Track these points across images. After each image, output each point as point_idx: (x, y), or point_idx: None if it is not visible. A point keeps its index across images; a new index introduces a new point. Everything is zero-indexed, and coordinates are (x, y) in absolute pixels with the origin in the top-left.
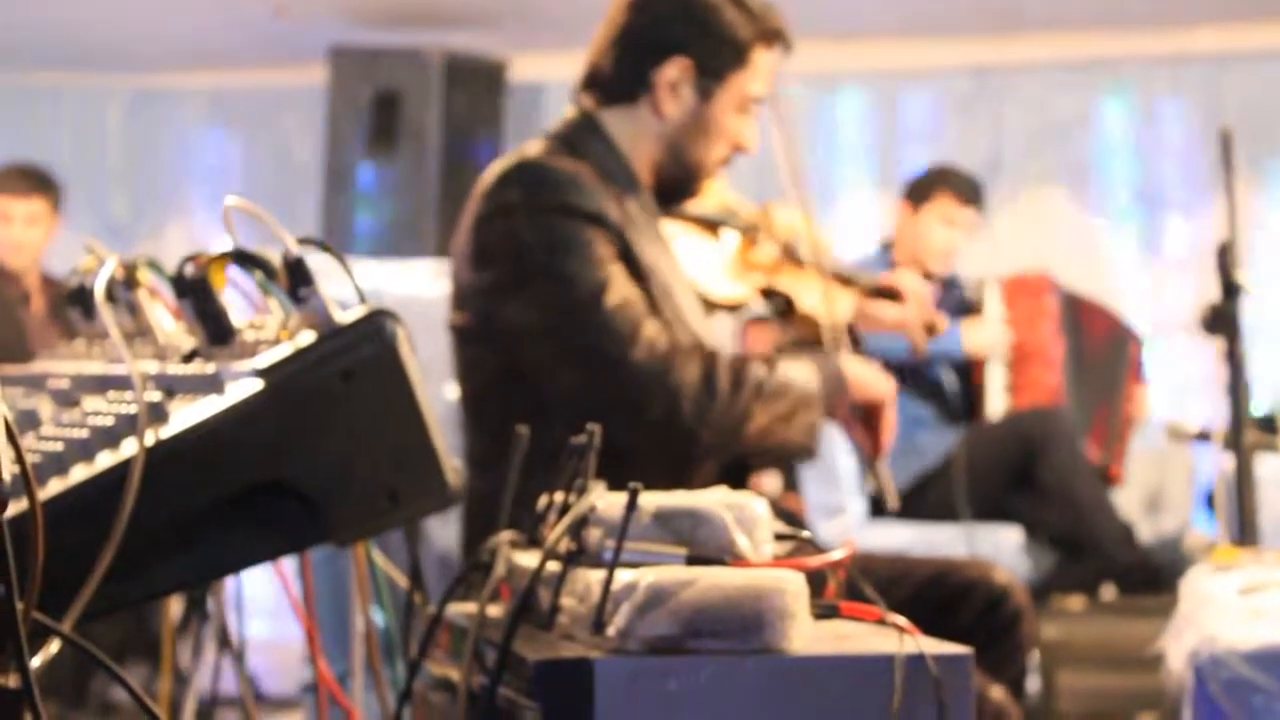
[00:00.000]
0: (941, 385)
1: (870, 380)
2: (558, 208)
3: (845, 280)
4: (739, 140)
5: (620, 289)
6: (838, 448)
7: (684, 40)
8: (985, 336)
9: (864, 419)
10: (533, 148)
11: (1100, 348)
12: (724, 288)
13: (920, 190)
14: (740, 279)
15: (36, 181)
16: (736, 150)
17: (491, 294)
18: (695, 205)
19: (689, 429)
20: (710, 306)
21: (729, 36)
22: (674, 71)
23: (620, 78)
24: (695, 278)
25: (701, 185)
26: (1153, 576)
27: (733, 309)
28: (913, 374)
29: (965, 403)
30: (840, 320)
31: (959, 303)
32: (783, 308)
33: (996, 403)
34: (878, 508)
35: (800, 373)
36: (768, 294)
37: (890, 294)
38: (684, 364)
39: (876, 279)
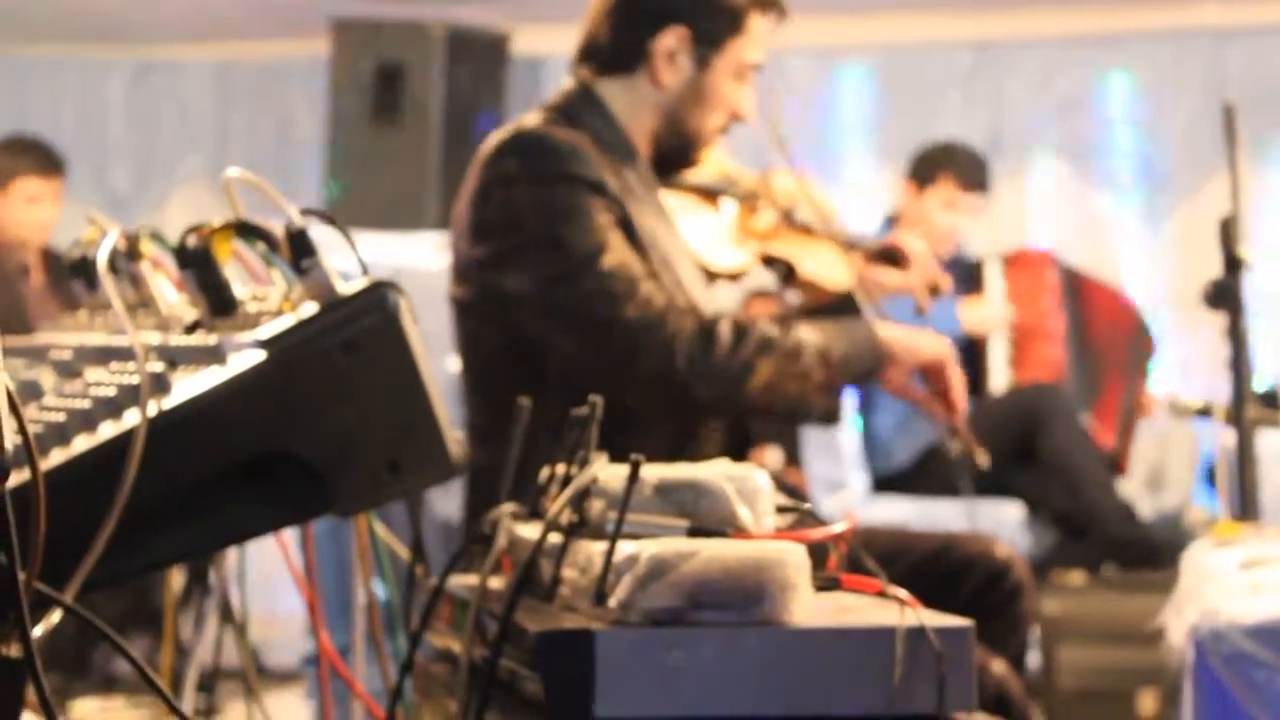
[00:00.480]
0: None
1: (921, 344)
2: (556, 177)
3: (847, 245)
4: (736, 108)
5: (617, 253)
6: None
7: (681, 9)
8: (983, 314)
9: (929, 384)
10: (531, 119)
11: (1103, 324)
12: (724, 256)
13: (925, 171)
14: (740, 247)
15: (58, 161)
16: (734, 119)
17: (491, 264)
18: (694, 174)
19: (683, 382)
20: (711, 276)
21: (725, 4)
22: (671, 40)
23: (617, 48)
24: (695, 247)
25: (700, 154)
26: (1154, 552)
27: (734, 278)
28: None
29: (967, 378)
30: (843, 285)
31: (959, 280)
32: (784, 274)
33: (999, 378)
34: (881, 483)
35: (820, 334)
36: (769, 261)
37: (893, 256)
38: (679, 318)
39: (879, 242)
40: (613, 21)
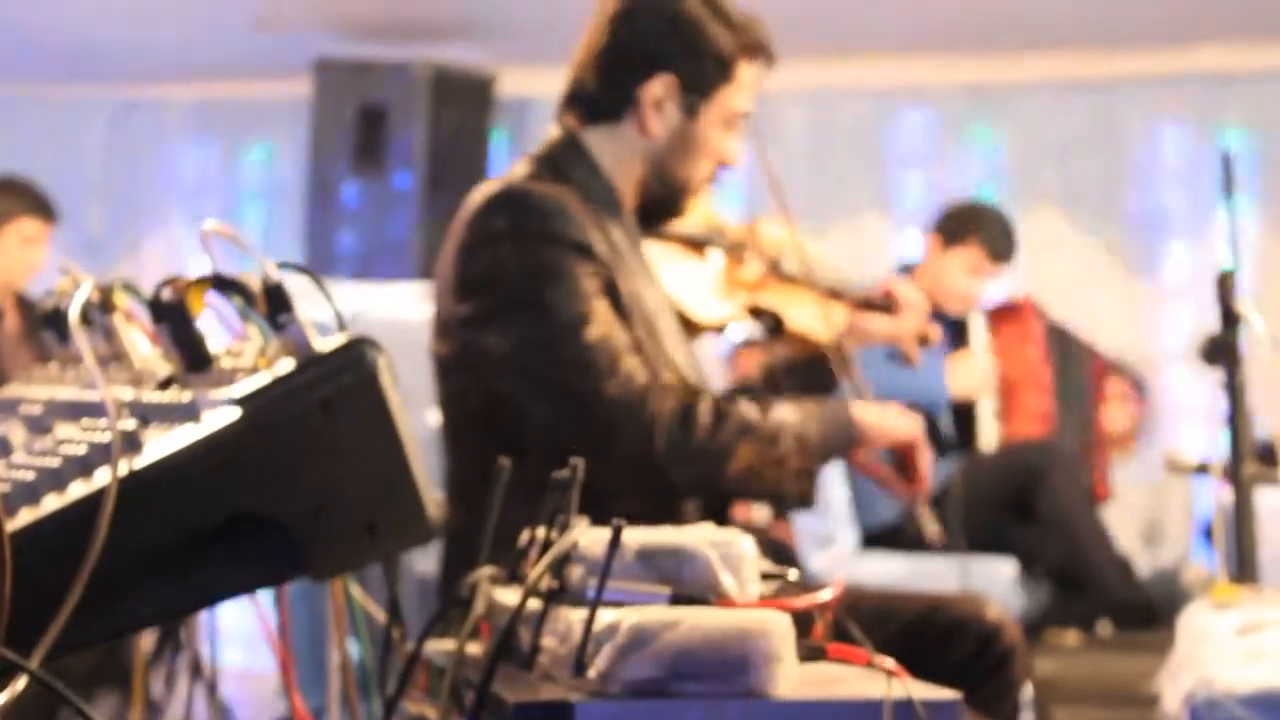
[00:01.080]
0: (934, 417)
1: (891, 424)
2: (543, 237)
3: (836, 292)
4: (724, 156)
5: (602, 323)
6: (828, 478)
7: (668, 56)
8: (971, 375)
9: (896, 464)
10: (518, 171)
11: (1088, 369)
12: (710, 308)
13: (955, 230)
14: (727, 299)
15: (52, 205)
16: (721, 166)
17: (473, 322)
18: (680, 224)
19: (662, 465)
20: (696, 328)
21: (714, 51)
22: (659, 89)
23: (604, 96)
24: (681, 299)
25: (687, 204)
26: (1150, 612)
27: (720, 330)
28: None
29: (958, 434)
30: (831, 337)
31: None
32: (772, 326)
33: (989, 433)
34: (871, 538)
35: (798, 416)
36: (756, 313)
37: (883, 305)
38: (660, 398)
39: (868, 290)
40: (600, 69)
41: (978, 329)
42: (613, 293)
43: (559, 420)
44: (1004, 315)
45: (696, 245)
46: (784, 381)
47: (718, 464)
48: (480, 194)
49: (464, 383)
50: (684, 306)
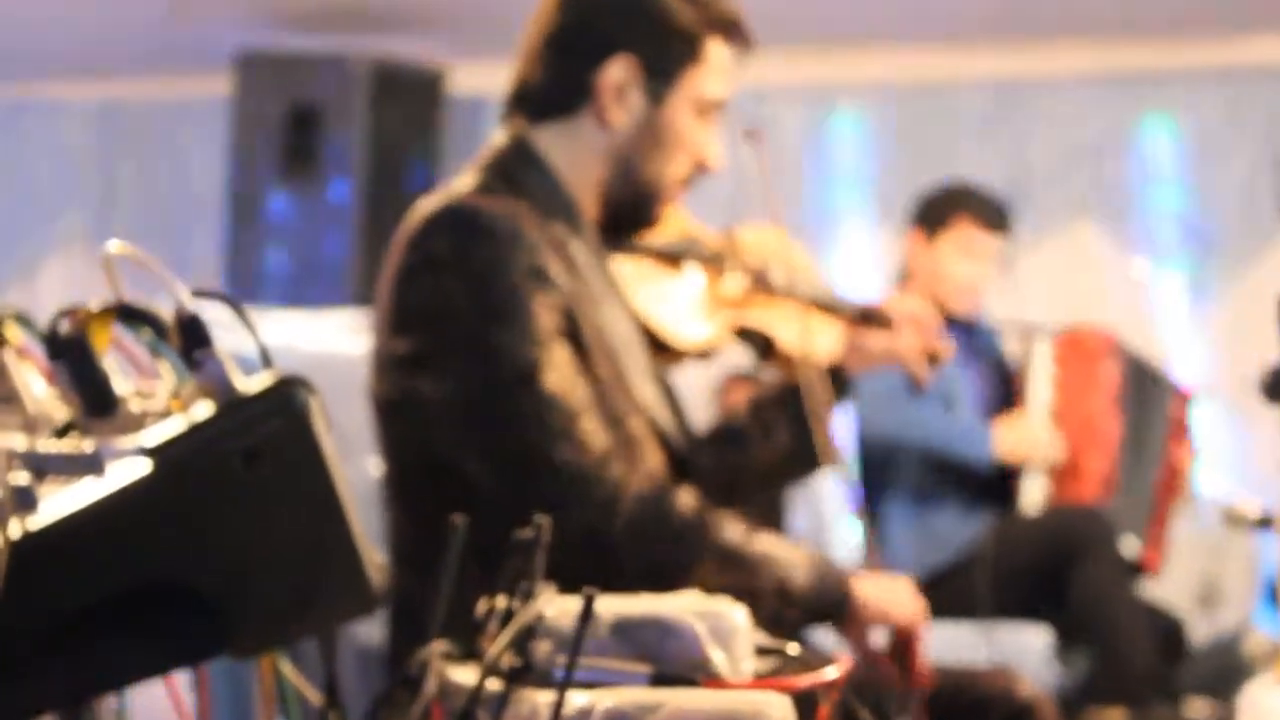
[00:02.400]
0: (968, 465)
1: (896, 605)
2: (493, 263)
3: (828, 308)
4: (699, 153)
5: (558, 372)
6: (837, 535)
7: (626, 35)
8: (1023, 443)
9: (893, 647)
10: (463, 183)
11: (1169, 430)
12: (691, 332)
13: (935, 215)
14: (710, 319)
15: None
16: (698, 168)
17: (409, 363)
18: (651, 237)
19: (615, 548)
20: (676, 355)
21: (676, 26)
22: (618, 72)
23: (555, 87)
24: (658, 323)
25: (659, 210)
26: (1205, 685)
27: (704, 355)
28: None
29: (995, 487)
30: (827, 358)
31: (992, 356)
32: (761, 348)
33: (1034, 497)
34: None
35: (787, 559)
36: (743, 334)
37: (879, 320)
38: (620, 471)
39: (862, 304)
40: (548, 57)
41: (1041, 358)
42: (573, 325)
43: (502, 485)
44: (1072, 350)
45: (672, 259)
46: (774, 417)
47: (679, 569)
48: (420, 211)
49: (404, 429)
50: (662, 330)
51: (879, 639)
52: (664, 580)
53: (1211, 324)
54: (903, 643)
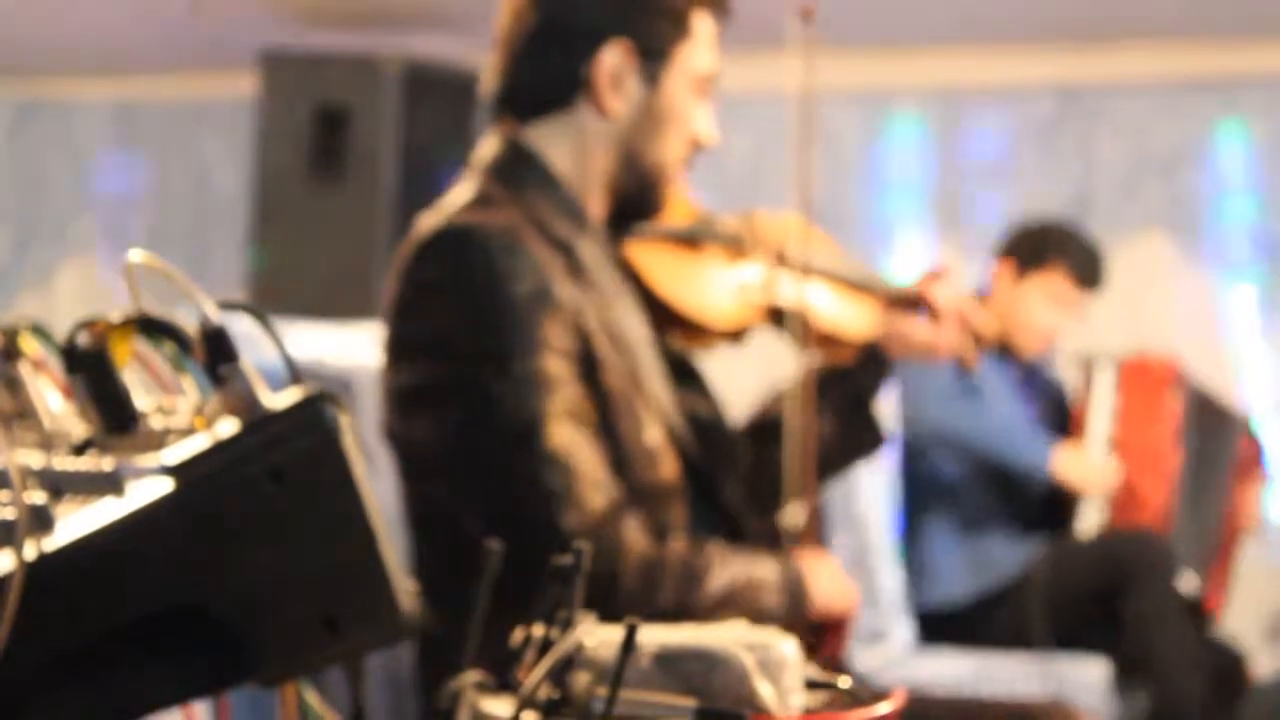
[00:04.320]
0: (1022, 474)
1: (836, 593)
2: (492, 291)
3: (858, 287)
4: (695, 131)
5: (561, 424)
6: (880, 560)
7: (615, 21)
8: (1083, 473)
9: (817, 629)
10: (461, 196)
11: (1232, 464)
12: (722, 314)
13: (1030, 253)
14: (737, 299)
15: None
16: (694, 146)
17: (409, 398)
18: (664, 221)
19: (620, 610)
20: (709, 337)
21: (663, 4)
22: (612, 59)
23: (547, 83)
24: (686, 307)
25: (665, 193)
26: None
27: (736, 336)
28: (985, 464)
29: (1049, 509)
30: (867, 333)
31: (1051, 393)
32: (794, 328)
33: (1089, 516)
34: (932, 624)
35: (757, 576)
36: (773, 315)
37: (917, 303)
38: (621, 540)
39: (899, 286)
40: (537, 52)
41: (1103, 383)
42: (584, 341)
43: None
44: (1135, 380)
45: (690, 242)
46: (820, 400)
47: (677, 615)
48: (417, 234)
49: (406, 464)
50: (688, 311)
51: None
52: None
53: None
54: (827, 627)
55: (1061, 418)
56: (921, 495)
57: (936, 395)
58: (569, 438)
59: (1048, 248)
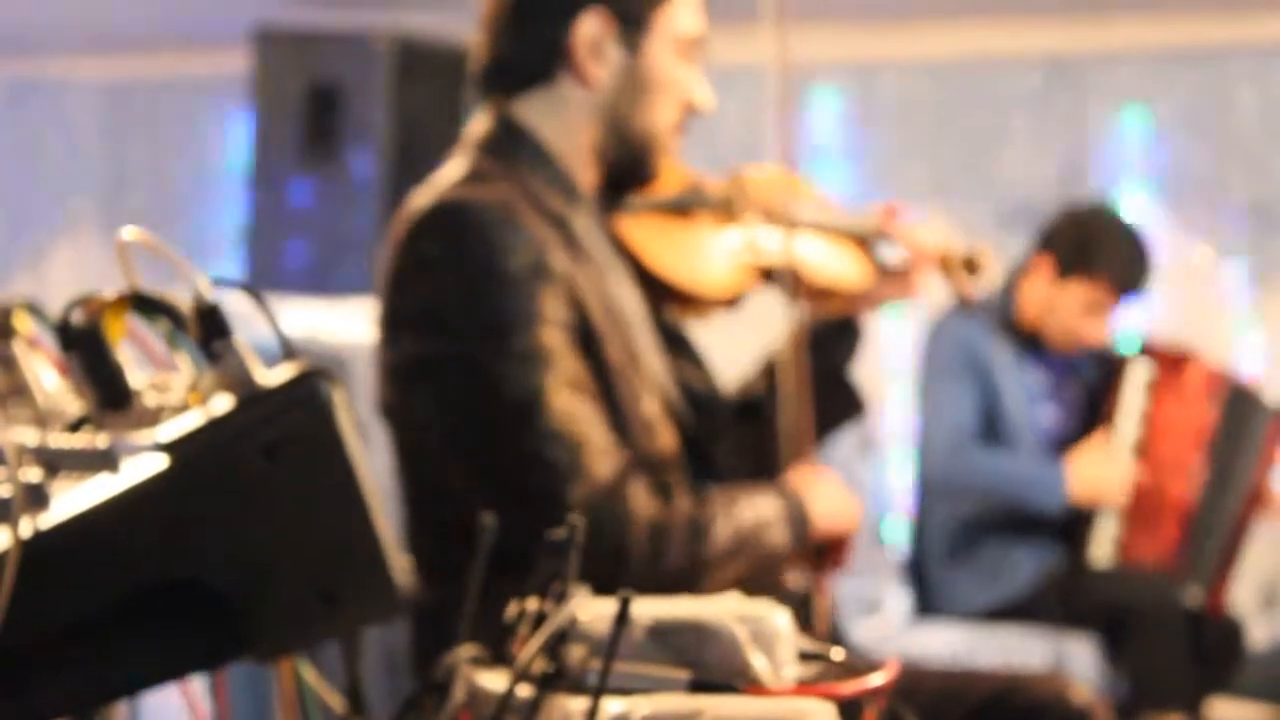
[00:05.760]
0: (1031, 510)
1: (838, 515)
2: (487, 265)
3: (850, 235)
4: (687, 95)
5: (562, 396)
6: (874, 525)
7: None
8: (1100, 477)
9: (818, 547)
10: (453, 172)
11: (1258, 476)
12: (715, 279)
13: (1075, 257)
14: (731, 264)
15: None
16: (688, 111)
17: (407, 375)
18: (654, 191)
19: (628, 581)
20: (703, 306)
21: None
22: (589, 27)
23: (528, 56)
24: (679, 277)
25: (657, 161)
26: (1266, 689)
27: (731, 302)
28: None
29: (1062, 533)
30: (861, 282)
31: (1080, 386)
32: (789, 284)
33: (1103, 547)
34: (924, 603)
35: (763, 516)
36: (768, 274)
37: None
38: (629, 506)
39: (871, 222)
40: (515, 25)
41: (1132, 400)
42: (580, 313)
43: (505, 519)
44: (1170, 384)
45: (681, 211)
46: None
47: (688, 587)
48: (411, 210)
49: (404, 441)
50: (684, 283)
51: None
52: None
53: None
54: (831, 544)
55: (1089, 407)
56: (932, 501)
57: (945, 448)
58: (571, 409)
59: (1094, 256)
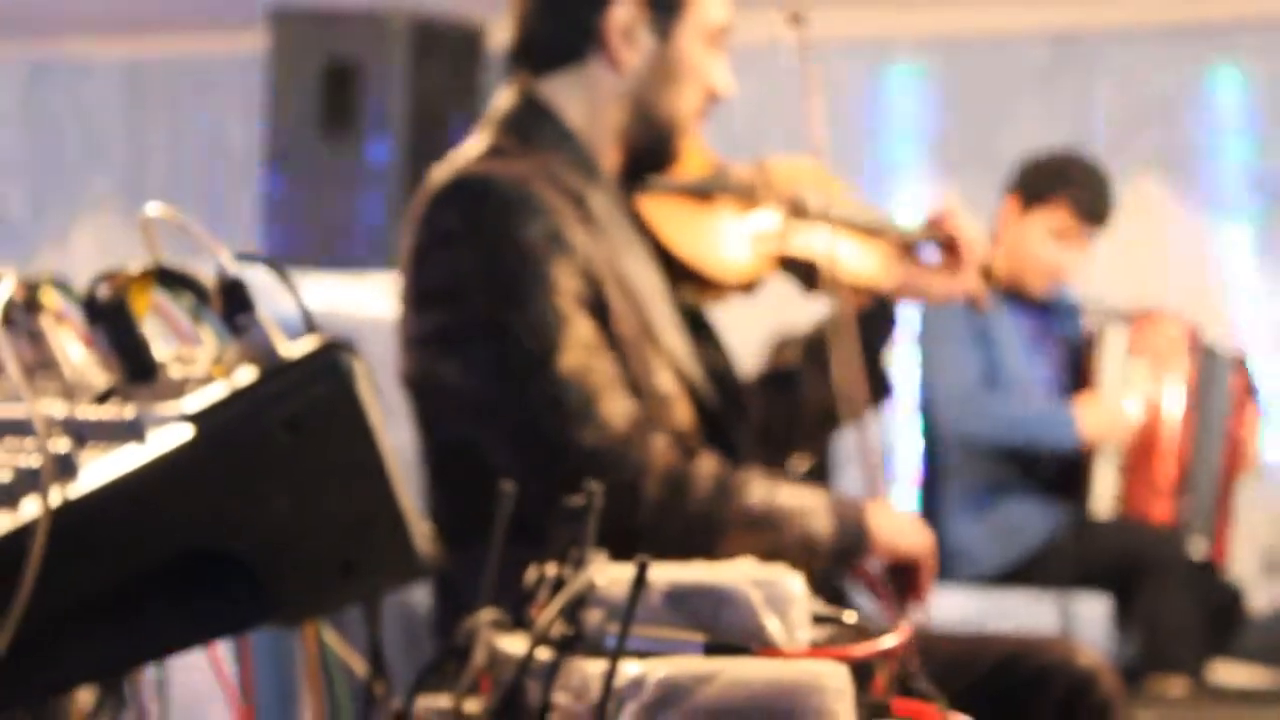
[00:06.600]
0: (1034, 457)
1: (904, 536)
2: (507, 236)
3: (873, 232)
4: (710, 83)
5: (578, 347)
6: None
7: None
8: (1108, 418)
9: (895, 579)
10: (476, 146)
11: (1237, 423)
12: (732, 265)
13: (1036, 187)
14: (750, 250)
15: None
16: (711, 98)
17: (428, 344)
18: (677, 173)
19: (640, 529)
20: (720, 290)
21: None
22: (623, 13)
23: (561, 37)
24: (697, 260)
25: (680, 145)
26: (1267, 653)
27: (748, 288)
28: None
29: (1064, 485)
30: (881, 282)
31: (1067, 336)
32: (807, 278)
33: (1104, 492)
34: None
35: (809, 508)
36: (786, 264)
37: (931, 245)
38: (643, 447)
39: (917, 227)
40: (550, 6)
41: (1113, 358)
42: (595, 287)
43: (526, 470)
44: (1146, 343)
45: (702, 195)
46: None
47: (706, 543)
48: (432, 184)
49: (429, 408)
50: (701, 266)
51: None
52: (693, 554)
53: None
54: (906, 570)
55: (1074, 364)
56: (940, 465)
57: (957, 399)
58: (585, 363)
59: (1053, 181)
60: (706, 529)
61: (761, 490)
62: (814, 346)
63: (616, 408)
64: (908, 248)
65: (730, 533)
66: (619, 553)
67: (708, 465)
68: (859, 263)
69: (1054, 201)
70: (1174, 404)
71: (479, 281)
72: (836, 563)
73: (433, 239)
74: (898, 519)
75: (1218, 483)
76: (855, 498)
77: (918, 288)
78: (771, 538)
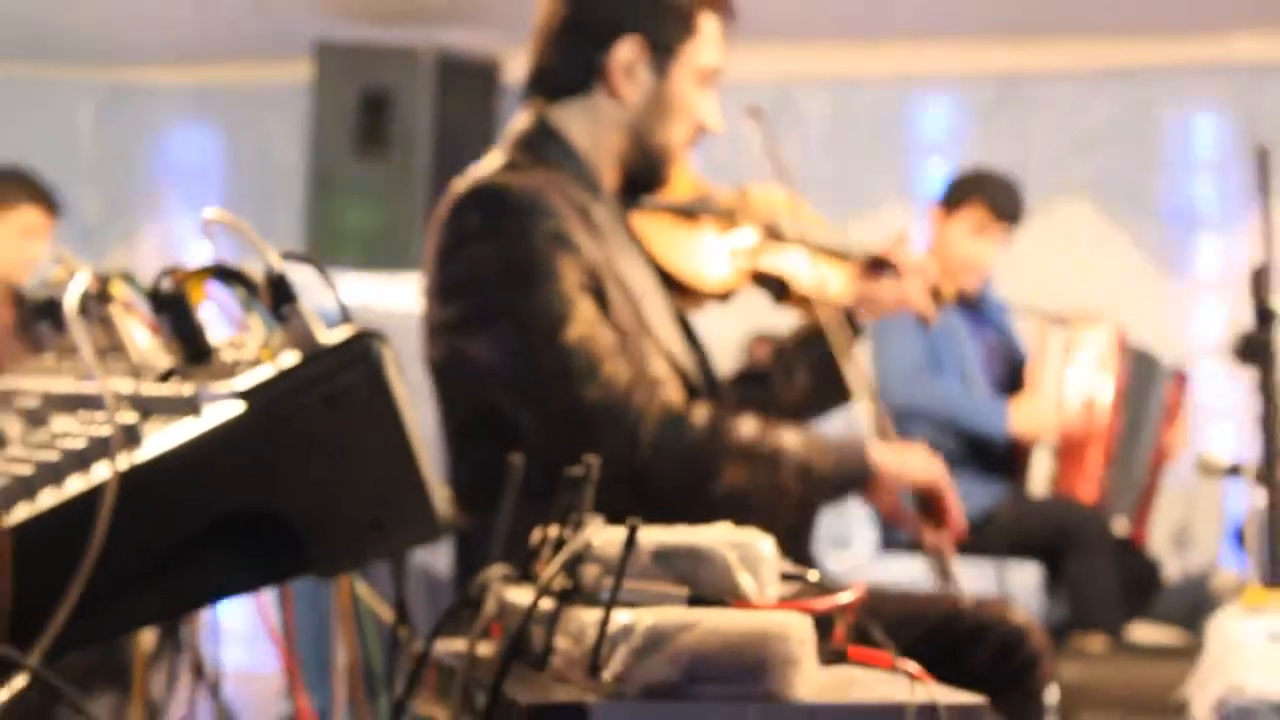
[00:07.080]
0: (985, 437)
1: (912, 465)
2: (518, 234)
3: (837, 254)
4: (700, 118)
5: (582, 323)
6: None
7: (630, 18)
8: (1035, 421)
9: (922, 508)
10: (492, 162)
11: (1164, 421)
12: (710, 275)
13: (954, 195)
14: (727, 264)
15: (57, 199)
16: (699, 130)
17: (456, 329)
18: (667, 195)
19: (642, 468)
20: (698, 297)
21: (673, 5)
22: (626, 52)
23: (570, 70)
24: (678, 269)
25: (669, 171)
26: (1177, 617)
27: (723, 297)
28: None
29: (1008, 454)
30: (841, 297)
31: (998, 332)
32: (777, 291)
33: (1040, 472)
34: (889, 539)
35: (805, 444)
36: (758, 278)
37: (890, 268)
38: (644, 398)
39: (871, 253)
40: (563, 42)
41: (1052, 360)
42: (596, 282)
43: (543, 428)
44: (1086, 343)
45: (687, 214)
46: (795, 359)
47: (705, 477)
48: (454, 192)
49: (454, 388)
50: (682, 275)
51: (905, 502)
52: (695, 491)
53: (1189, 291)
54: (929, 499)
55: (1009, 359)
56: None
57: (903, 374)
58: (590, 334)
59: (968, 188)
60: (703, 460)
61: (755, 426)
62: (783, 353)
63: (618, 368)
64: (865, 268)
65: (727, 464)
66: (628, 490)
67: (702, 408)
68: (820, 279)
69: (971, 203)
70: (1105, 399)
71: (496, 274)
72: (840, 493)
73: (455, 239)
74: (904, 451)
75: (1144, 473)
76: (855, 434)
77: (872, 301)
78: (768, 472)
